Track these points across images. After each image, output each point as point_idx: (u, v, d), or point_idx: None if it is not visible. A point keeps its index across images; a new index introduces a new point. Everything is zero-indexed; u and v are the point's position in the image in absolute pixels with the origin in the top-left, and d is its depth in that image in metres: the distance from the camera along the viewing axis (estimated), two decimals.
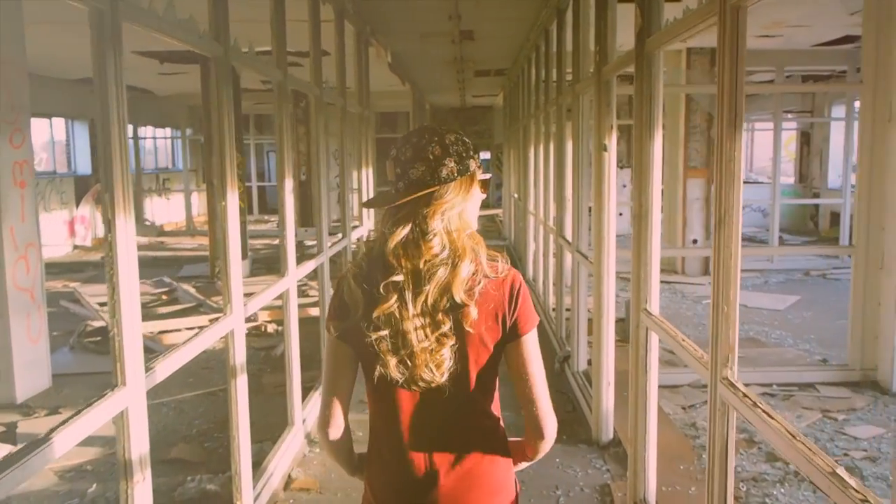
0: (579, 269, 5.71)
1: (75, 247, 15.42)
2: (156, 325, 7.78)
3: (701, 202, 11.07)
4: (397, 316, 1.66)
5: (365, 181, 8.07)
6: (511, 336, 1.73)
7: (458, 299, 1.65)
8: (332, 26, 6.33)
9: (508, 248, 14.43)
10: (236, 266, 3.51)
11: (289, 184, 4.61)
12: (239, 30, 3.85)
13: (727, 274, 2.37)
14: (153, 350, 7.10)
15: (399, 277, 1.65)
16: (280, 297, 4.63)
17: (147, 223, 18.42)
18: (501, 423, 1.85)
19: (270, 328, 7.96)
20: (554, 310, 7.71)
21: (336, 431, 1.80)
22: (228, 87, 3.51)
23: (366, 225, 8.18)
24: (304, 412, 5.00)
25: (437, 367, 1.66)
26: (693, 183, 11.02)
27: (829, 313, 8.45)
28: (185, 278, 11.56)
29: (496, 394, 1.82)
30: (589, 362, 5.93)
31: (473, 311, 1.67)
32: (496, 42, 9.76)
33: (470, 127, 24.45)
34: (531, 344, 1.76)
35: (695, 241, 11.09)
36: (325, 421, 1.80)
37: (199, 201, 22.29)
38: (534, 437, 1.79)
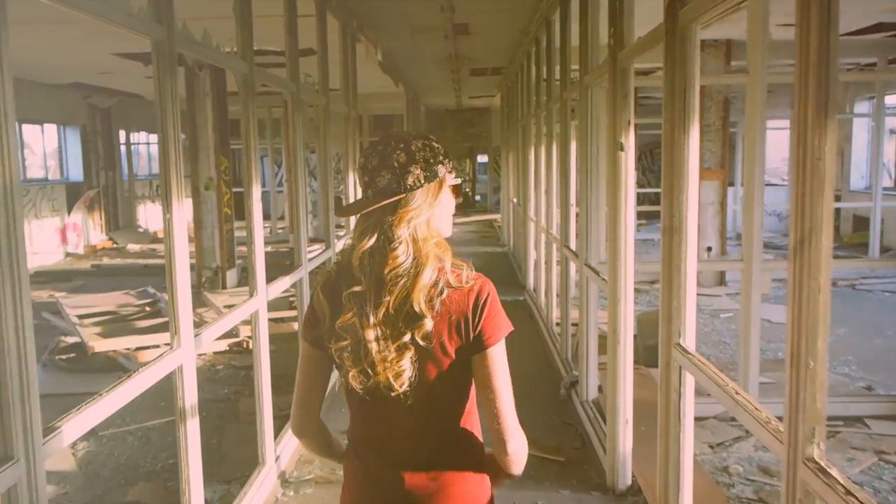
0: (588, 285, 5.05)
1: (67, 254, 14.90)
2: (133, 341, 7.12)
3: (716, 206, 10.43)
4: (357, 326, 1.65)
5: (351, 186, 7.37)
6: (475, 348, 1.69)
7: (416, 309, 1.63)
8: (315, 20, 5.68)
9: (507, 255, 13.78)
10: (184, 290, 3.02)
11: (256, 191, 3.96)
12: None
13: (813, 314, 1.69)
14: (127, 368, 6.47)
15: (359, 288, 1.65)
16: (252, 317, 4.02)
17: (140, 230, 17.79)
18: (478, 436, 1.82)
19: (251, 344, 7.29)
20: (558, 324, 7.05)
21: (310, 431, 1.86)
22: (173, 76, 2.90)
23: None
24: (279, 448, 4.39)
25: (396, 378, 1.65)
26: (707, 186, 10.37)
27: (866, 330, 7.74)
28: None
29: (470, 407, 1.78)
30: (600, 389, 5.27)
31: (429, 323, 1.64)
32: (492, 36, 9.15)
33: (467, 129, 23.86)
34: (497, 357, 1.71)
35: (709, 249, 10.44)
36: (298, 423, 1.86)
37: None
38: (498, 452, 1.74)
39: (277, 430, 4.47)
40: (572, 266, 6.00)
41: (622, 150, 3.92)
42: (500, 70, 12.96)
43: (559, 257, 6.48)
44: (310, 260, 5.31)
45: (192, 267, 10.83)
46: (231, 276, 10.65)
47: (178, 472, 4.66)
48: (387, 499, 1.75)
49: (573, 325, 5.95)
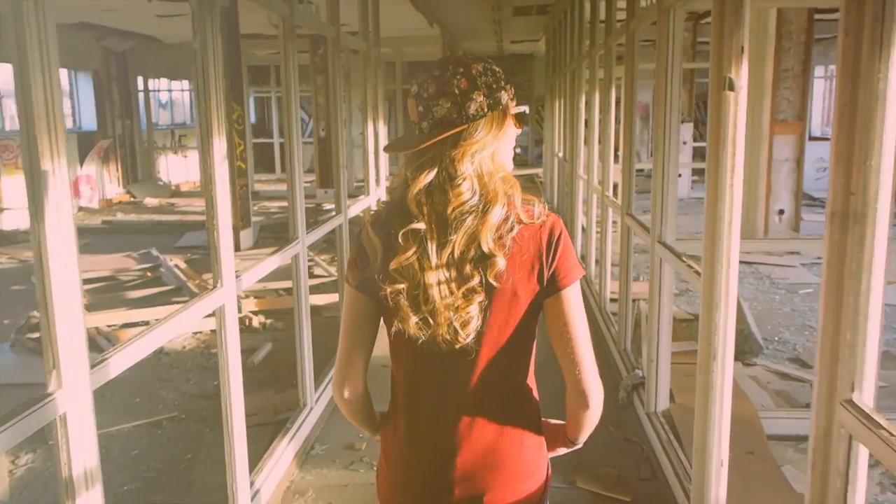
0: (661, 267, 3.92)
1: (80, 209, 13.98)
2: (119, 317, 6.17)
3: (791, 164, 9.13)
4: (417, 268, 1.48)
5: (372, 135, 6.30)
6: (550, 290, 1.53)
7: (485, 249, 1.46)
8: None
9: None
10: (226, 233, 3.03)
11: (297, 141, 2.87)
12: None
13: None
14: (103, 349, 5.53)
15: (420, 225, 1.47)
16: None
17: (161, 183, 16.90)
18: (536, 395, 1.66)
19: (257, 321, 6.29)
20: (613, 300, 5.94)
21: (353, 391, 1.63)
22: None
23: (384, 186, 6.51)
24: (259, 479, 3.36)
25: (463, 327, 1.48)
26: (782, 140, 9.07)
27: None
28: (182, 249, 10.02)
29: (532, 362, 1.63)
30: (672, 397, 4.17)
31: (501, 262, 1.47)
32: None
33: (508, 77, 22.04)
34: (573, 299, 1.55)
35: (781, 212, 9.16)
36: (340, 379, 1.63)
37: None
38: (577, 406, 1.59)
39: (255, 462, 3.44)
40: (629, 223, 4.88)
41: (731, 88, 2.75)
42: (546, 8, 11.64)
43: (618, 225, 5.35)
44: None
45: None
46: (245, 236, 9.66)
47: (149, 496, 3.76)
48: (439, 474, 1.57)
49: (642, 300, 4.81)
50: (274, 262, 3.78)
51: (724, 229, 2.81)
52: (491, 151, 1.51)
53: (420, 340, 1.51)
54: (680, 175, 14.21)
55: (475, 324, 1.48)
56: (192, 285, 7.07)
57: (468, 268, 1.47)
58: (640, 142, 19.66)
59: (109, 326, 6.09)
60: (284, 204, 14.85)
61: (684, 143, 14.60)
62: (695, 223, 11.77)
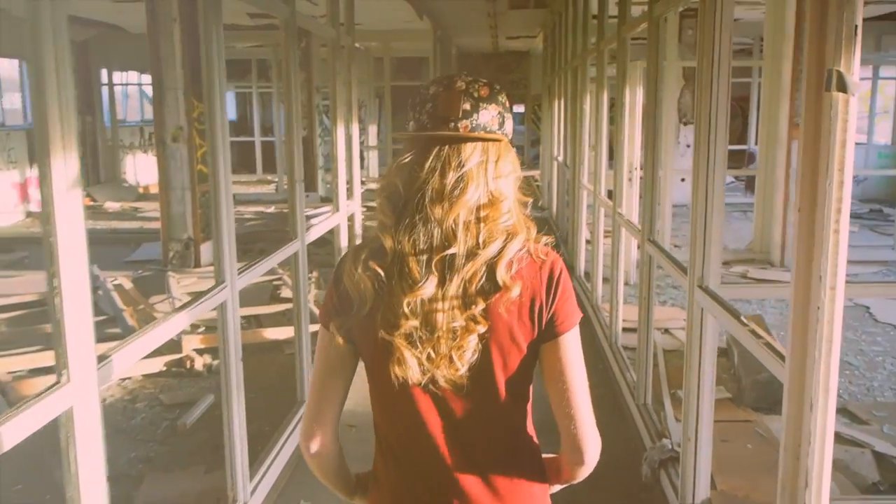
0: (703, 321, 2.98)
1: (28, 214, 12.88)
2: (23, 362, 5.19)
3: None
4: (426, 301, 1.34)
5: (343, 139, 5.38)
6: (547, 335, 1.42)
7: (499, 280, 1.36)
8: None
9: (549, 221, 11.66)
10: (78, 288, 1.92)
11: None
12: None
13: None
14: None
15: (454, 250, 1.34)
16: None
17: (126, 185, 15.87)
18: (536, 441, 1.54)
19: (200, 363, 5.32)
20: (628, 328, 5.05)
21: (323, 445, 1.49)
22: None
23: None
24: None
25: (460, 356, 1.35)
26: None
27: None
28: (134, 263, 9.00)
29: (529, 407, 1.50)
30: (712, 482, 3.26)
31: (516, 290, 1.36)
32: None
33: (504, 76, 21.48)
34: (572, 346, 1.44)
35: None
36: (309, 432, 1.49)
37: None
38: (571, 462, 1.48)
39: None
40: (651, 252, 3.98)
41: (843, 89, 1.82)
42: (544, 1, 10.71)
43: (639, 250, 4.40)
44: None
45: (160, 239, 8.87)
46: (207, 249, 8.68)
47: None
48: None
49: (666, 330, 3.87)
50: (179, 322, 2.80)
51: (823, 295, 1.88)
52: (518, 175, 1.44)
53: (411, 386, 1.39)
54: (683, 180, 13.34)
55: (469, 356, 1.35)
56: (129, 314, 6.09)
57: (473, 296, 1.35)
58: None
59: (11, 373, 5.10)
60: (263, 208, 13.90)
61: (688, 146, 13.71)
62: None
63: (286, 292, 7.14)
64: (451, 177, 1.35)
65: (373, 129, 18.77)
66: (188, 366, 5.24)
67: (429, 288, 1.33)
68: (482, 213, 1.36)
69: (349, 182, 5.80)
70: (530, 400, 1.50)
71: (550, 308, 1.41)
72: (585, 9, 7.18)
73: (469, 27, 13.93)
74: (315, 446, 1.49)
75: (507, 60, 21.19)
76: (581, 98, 7.18)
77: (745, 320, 2.50)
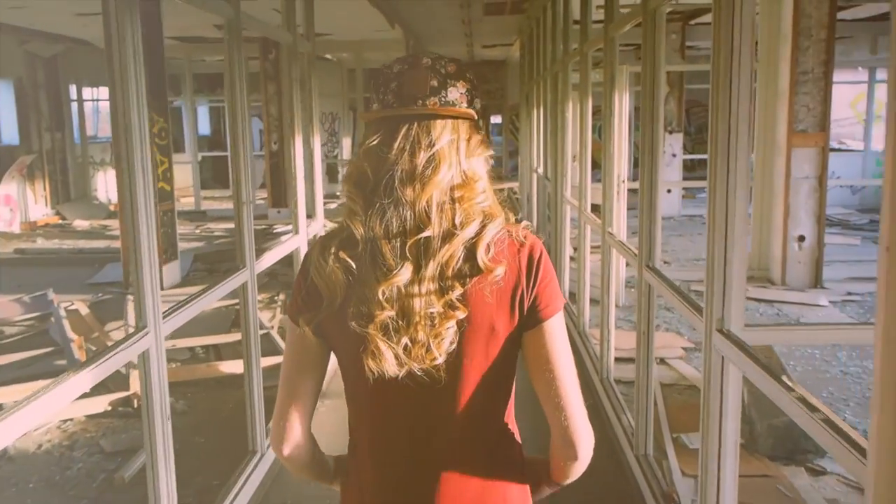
0: (725, 375, 2.47)
1: None
2: None
3: (812, 182, 7.78)
4: (402, 288, 1.27)
5: (301, 153, 4.89)
6: (530, 321, 1.33)
7: (479, 262, 1.29)
8: None
9: None
10: None
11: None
12: None
13: None
14: None
15: (428, 233, 1.27)
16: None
17: (96, 202, 15.24)
18: (518, 437, 1.46)
19: None
20: (622, 357, 4.58)
21: (294, 446, 1.41)
22: None
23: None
24: None
25: (437, 344, 1.27)
26: (802, 154, 7.74)
27: None
28: (95, 286, 8.41)
29: (511, 401, 1.42)
30: None
31: (500, 270, 1.29)
32: None
33: (480, 85, 20.68)
34: (557, 332, 1.35)
35: (802, 239, 7.82)
36: (279, 434, 1.41)
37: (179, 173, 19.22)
38: (563, 457, 1.37)
39: None
40: (652, 282, 3.50)
41: None
42: (521, 5, 10.27)
43: (636, 275, 3.90)
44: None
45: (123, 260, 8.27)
46: (170, 271, 8.12)
47: None
48: None
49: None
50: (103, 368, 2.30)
51: None
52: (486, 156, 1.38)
53: (387, 379, 1.29)
54: (669, 191, 12.93)
55: (447, 345, 1.27)
56: (79, 345, 5.52)
57: (450, 280, 1.28)
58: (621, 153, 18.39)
59: None
60: (233, 226, 13.18)
61: (674, 155, 13.31)
62: (691, 246, 10.44)
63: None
64: (422, 156, 1.29)
65: (347, 142, 18.22)
66: (136, 405, 4.68)
67: (404, 274, 1.27)
68: (456, 194, 1.30)
69: (312, 201, 5.28)
70: (513, 395, 1.42)
71: (532, 292, 1.33)
72: (566, 12, 6.74)
73: (443, 35, 13.49)
74: (287, 449, 1.41)
75: (483, 70, 20.78)
76: (563, 106, 6.72)
77: (788, 382, 2.00)
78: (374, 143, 1.32)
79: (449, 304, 1.27)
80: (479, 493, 1.37)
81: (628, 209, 7.56)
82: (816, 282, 7.92)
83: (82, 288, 8.13)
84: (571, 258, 7.49)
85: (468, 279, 1.28)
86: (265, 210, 13.66)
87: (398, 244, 1.27)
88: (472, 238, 1.29)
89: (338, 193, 18.73)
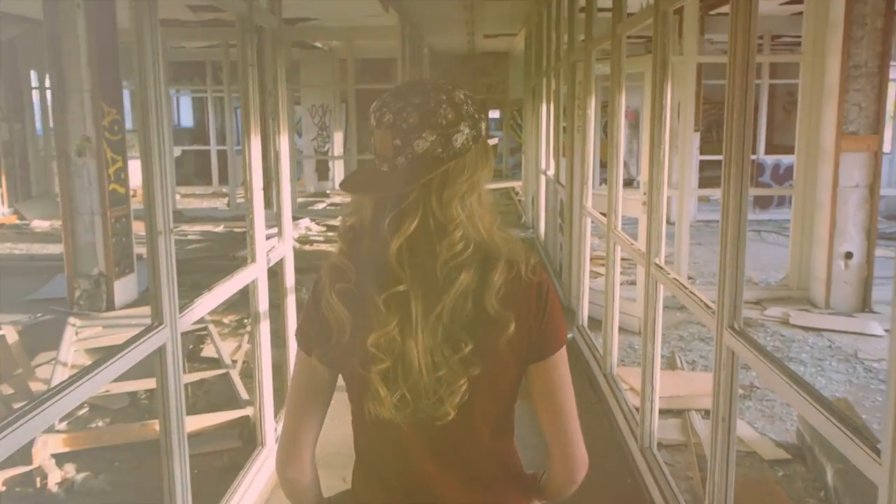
0: None
1: None
2: None
3: (863, 192, 6.76)
4: (399, 339, 1.27)
5: (254, 151, 3.82)
6: (537, 356, 1.37)
7: (490, 311, 1.28)
8: None
9: (535, 245, 10.17)
10: None
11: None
12: None
13: None
14: None
15: (402, 287, 1.27)
16: None
17: (59, 200, 14.10)
18: (518, 458, 1.50)
19: (56, 477, 3.71)
20: (665, 440, 3.58)
21: (299, 470, 1.45)
22: None
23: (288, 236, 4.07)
24: None
25: (450, 400, 1.28)
26: (851, 160, 6.73)
27: None
28: (36, 303, 7.33)
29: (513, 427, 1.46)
30: None
31: (513, 326, 1.30)
32: None
33: (480, 79, 20.05)
34: (560, 365, 1.39)
35: (849, 256, 6.82)
36: (285, 457, 1.45)
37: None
38: (560, 482, 1.45)
39: None
40: (732, 341, 2.48)
41: None
42: None
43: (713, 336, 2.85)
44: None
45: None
46: (124, 287, 7.06)
47: None
48: None
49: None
50: None
51: None
52: (479, 192, 1.33)
53: (400, 417, 1.32)
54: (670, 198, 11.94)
55: (459, 398, 1.29)
56: None
57: (459, 332, 1.28)
58: (629, 153, 17.40)
59: None
60: (212, 228, 12.20)
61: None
62: (710, 256, 9.37)
63: (212, 349, 5.55)
64: (392, 214, 1.28)
65: (338, 137, 17.08)
66: (38, 483, 3.63)
67: (389, 327, 1.26)
68: (430, 244, 1.27)
69: (278, 217, 4.26)
70: (514, 422, 1.44)
71: (540, 327, 1.34)
72: None
73: (442, 22, 12.43)
74: (291, 472, 1.45)
75: (483, 63, 19.72)
76: (584, 101, 5.68)
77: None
78: (374, 205, 1.33)
79: (461, 362, 1.27)
80: None
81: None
82: (865, 305, 6.91)
83: (21, 305, 7.06)
84: (596, 280, 6.47)
85: (480, 331, 1.27)
86: (243, 211, 12.61)
87: (382, 296, 1.26)
88: (474, 286, 1.27)
89: (328, 192, 17.70)
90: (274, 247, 4.08)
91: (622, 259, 5.61)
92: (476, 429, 1.35)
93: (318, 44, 15.44)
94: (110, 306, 6.85)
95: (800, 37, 13.79)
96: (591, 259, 6.08)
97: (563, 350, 1.38)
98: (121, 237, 7.01)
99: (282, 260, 4.15)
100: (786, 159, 12.39)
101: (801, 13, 11.64)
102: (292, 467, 1.43)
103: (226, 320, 6.49)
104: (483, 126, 1.33)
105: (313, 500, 1.49)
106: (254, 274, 3.70)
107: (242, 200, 13.49)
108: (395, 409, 1.28)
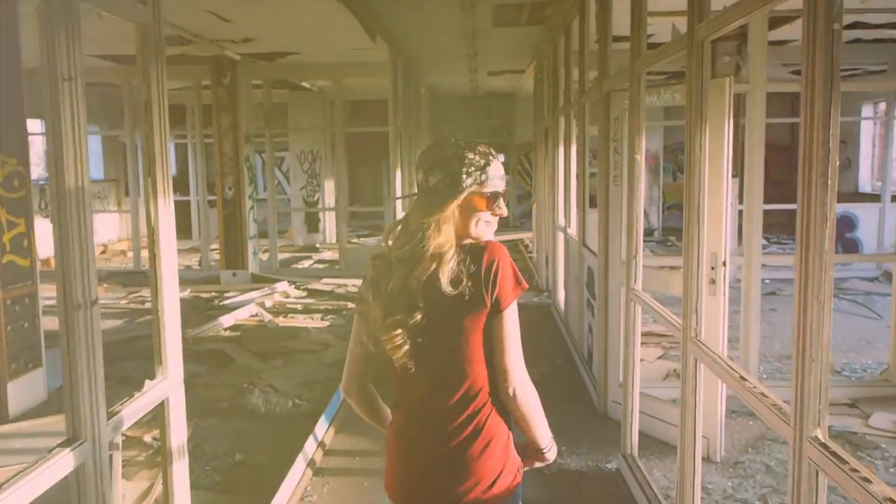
0: None
1: None
2: None
3: None
4: (397, 294, 1.89)
5: (166, 210, 2.20)
6: (493, 311, 1.88)
7: (443, 280, 1.85)
8: None
9: (552, 314, 8.52)
10: None
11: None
12: None
13: None
14: None
15: (406, 257, 1.89)
16: None
17: None
18: (506, 419, 1.98)
19: None
20: None
21: (355, 390, 2.08)
22: None
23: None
24: None
25: (396, 350, 1.87)
26: None
27: None
28: None
29: (486, 372, 1.93)
30: None
31: (445, 279, 1.86)
32: None
33: (484, 121, 18.63)
34: (510, 318, 1.90)
35: None
36: (345, 386, 2.09)
37: (120, 223, 16.62)
38: (506, 397, 1.92)
39: None
40: None
41: None
42: (543, 12, 7.76)
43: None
44: None
45: None
46: (25, 388, 5.43)
47: None
48: (422, 460, 1.93)
49: None
50: None
51: None
52: (478, 218, 1.92)
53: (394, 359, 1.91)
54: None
55: (406, 348, 1.87)
56: None
57: (414, 295, 1.86)
58: (650, 201, 15.88)
59: None
60: (180, 294, 10.43)
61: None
62: (771, 331, 7.62)
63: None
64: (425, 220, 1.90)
65: (330, 186, 15.56)
66: None
67: (395, 282, 1.91)
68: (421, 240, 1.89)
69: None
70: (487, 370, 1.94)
71: (493, 291, 1.88)
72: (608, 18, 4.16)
73: (441, 57, 10.97)
74: (350, 393, 2.08)
75: (487, 104, 18.31)
76: (632, 143, 4.08)
77: None
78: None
79: (398, 322, 1.89)
80: (471, 443, 1.90)
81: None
82: None
83: None
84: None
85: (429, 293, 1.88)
86: (218, 271, 11.03)
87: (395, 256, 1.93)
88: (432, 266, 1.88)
89: (318, 246, 16.10)
90: (152, 386, 2.46)
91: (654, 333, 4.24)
92: (452, 370, 1.89)
93: (305, 84, 14.03)
94: (2, 418, 5.22)
95: (852, 69, 12.43)
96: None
97: (514, 307, 1.90)
98: (21, 322, 5.40)
99: (164, 403, 2.52)
100: (839, 208, 10.77)
101: (856, 41, 10.30)
102: (354, 387, 2.07)
103: (148, 437, 4.85)
104: (464, 179, 1.91)
105: (372, 411, 2.13)
106: (164, 391, 2.15)
107: (216, 262, 11.99)
108: (387, 350, 1.89)
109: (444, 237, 1.84)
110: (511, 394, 1.88)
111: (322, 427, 4.74)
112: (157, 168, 2.43)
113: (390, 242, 1.93)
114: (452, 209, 1.86)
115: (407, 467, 1.95)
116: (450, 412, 1.88)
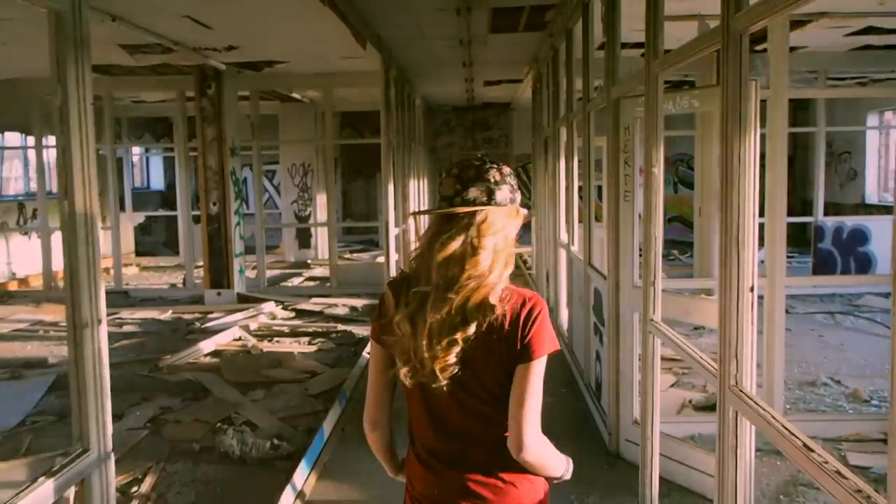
0: None
1: None
2: None
3: None
4: (408, 323, 1.79)
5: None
6: (522, 358, 1.79)
7: (493, 301, 1.77)
8: None
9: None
10: None
11: None
12: None
13: None
14: None
15: (426, 288, 1.78)
16: None
17: None
18: None
19: None
20: None
21: (375, 426, 1.99)
22: None
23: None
24: None
25: (443, 371, 1.76)
26: None
27: None
28: None
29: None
30: None
31: (499, 308, 1.78)
32: None
33: (479, 133, 18.21)
34: (537, 370, 1.80)
35: None
36: (367, 419, 1.99)
37: (103, 240, 15.96)
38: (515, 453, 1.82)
39: None
40: None
41: None
42: (544, 15, 7.31)
43: None
44: None
45: None
46: None
47: None
48: (448, 494, 1.85)
49: None
50: None
51: None
52: (506, 234, 1.83)
53: (412, 384, 1.82)
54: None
55: (452, 369, 1.76)
56: None
57: (458, 321, 1.76)
58: None
59: None
60: (157, 314, 9.62)
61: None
62: (826, 364, 7.06)
63: None
64: (442, 238, 1.80)
65: (321, 199, 14.93)
66: None
67: (409, 312, 1.81)
68: (461, 260, 1.78)
69: None
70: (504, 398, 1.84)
71: (527, 337, 1.79)
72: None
73: (435, 65, 10.51)
74: (374, 427, 1.98)
75: (484, 115, 17.88)
76: (650, 155, 3.61)
77: None
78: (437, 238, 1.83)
79: (452, 342, 1.77)
80: (490, 481, 1.83)
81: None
82: None
83: None
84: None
85: (476, 316, 1.78)
86: (202, 290, 10.51)
87: (414, 291, 1.82)
88: (478, 287, 1.78)
89: (309, 262, 15.54)
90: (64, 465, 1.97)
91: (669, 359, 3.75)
92: (486, 405, 1.82)
93: (295, 94, 13.57)
94: None
95: (859, 76, 12.03)
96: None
97: (543, 360, 1.80)
98: None
99: (83, 484, 2.03)
100: (850, 221, 10.36)
101: (864, 48, 9.88)
102: (370, 423, 1.97)
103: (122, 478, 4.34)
104: (518, 195, 1.86)
105: (387, 452, 2.04)
106: (81, 470, 1.76)
107: (201, 279, 11.42)
108: (407, 377, 1.78)
109: (510, 266, 1.81)
110: (518, 456, 1.78)
111: (302, 474, 4.22)
112: (75, 188, 1.94)
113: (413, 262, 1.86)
114: (516, 232, 1.85)
115: (434, 492, 1.89)
116: (478, 445, 1.84)
